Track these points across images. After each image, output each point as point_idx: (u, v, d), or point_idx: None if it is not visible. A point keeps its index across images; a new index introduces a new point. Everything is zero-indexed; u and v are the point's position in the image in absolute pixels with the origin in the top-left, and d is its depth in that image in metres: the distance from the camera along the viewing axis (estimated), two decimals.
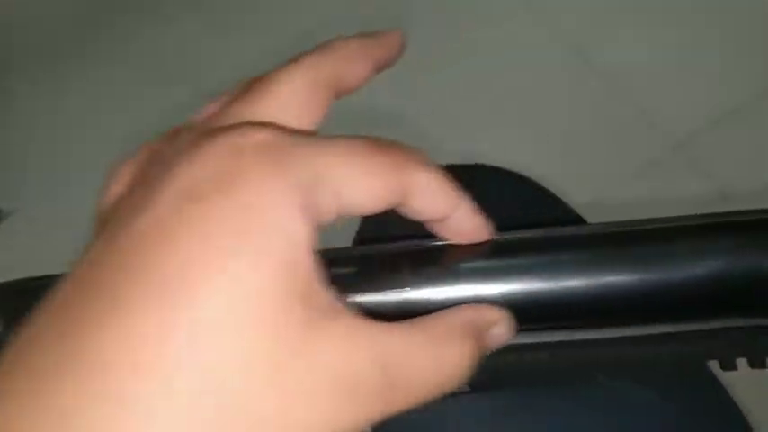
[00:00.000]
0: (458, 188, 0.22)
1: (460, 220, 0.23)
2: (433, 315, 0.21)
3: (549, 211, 0.39)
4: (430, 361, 0.20)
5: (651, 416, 0.32)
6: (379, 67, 0.24)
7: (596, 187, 1.03)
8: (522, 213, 0.38)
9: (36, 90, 1.30)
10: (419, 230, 0.25)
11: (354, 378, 0.18)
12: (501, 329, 0.23)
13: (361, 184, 0.20)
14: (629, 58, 1.06)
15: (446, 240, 0.24)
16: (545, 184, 0.43)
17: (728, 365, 0.27)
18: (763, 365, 0.26)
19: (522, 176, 0.40)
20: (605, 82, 1.05)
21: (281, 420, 0.17)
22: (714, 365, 0.28)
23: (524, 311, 0.24)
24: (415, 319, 0.20)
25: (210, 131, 0.20)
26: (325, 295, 0.18)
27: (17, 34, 1.36)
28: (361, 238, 0.41)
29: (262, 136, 0.19)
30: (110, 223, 0.19)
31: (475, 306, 0.22)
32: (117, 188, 0.21)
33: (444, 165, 0.41)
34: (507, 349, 0.25)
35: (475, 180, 0.41)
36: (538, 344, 0.25)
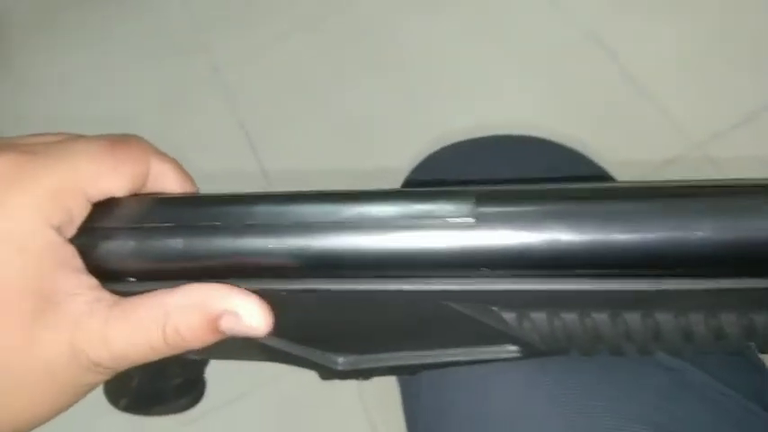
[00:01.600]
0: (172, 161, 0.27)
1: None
2: (146, 297, 0.23)
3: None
4: (124, 344, 0.23)
5: (705, 399, 0.30)
6: None
7: None
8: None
9: (49, 54, 1.28)
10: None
11: (55, 366, 0.22)
12: (236, 320, 0.24)
13: (110, 177, 0.24)
14: (654, 55, 1.04)
15: None
16: None
17: None
18: None
19: (572, 149, 0.39)
20: (628, 78, 1.03)
21: None
22: None
23: (577, 255, 0.22)
24: (131, 301, 0.23)
25: None
26: (56, 288, 0.22)
27: (21, 5, 1.35)
28: None
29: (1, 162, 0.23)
30: None
31: (207, 289, 0.24)
32: None
33: (497, 135, 0.40)
34: (554, 302, 0.24)
35: (526, 149, 0.39)
36: (598, 292, 0.23)
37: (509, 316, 0.24)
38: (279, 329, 0.25)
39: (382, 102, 1.09)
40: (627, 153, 0.98)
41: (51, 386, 0.23)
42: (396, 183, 0.47)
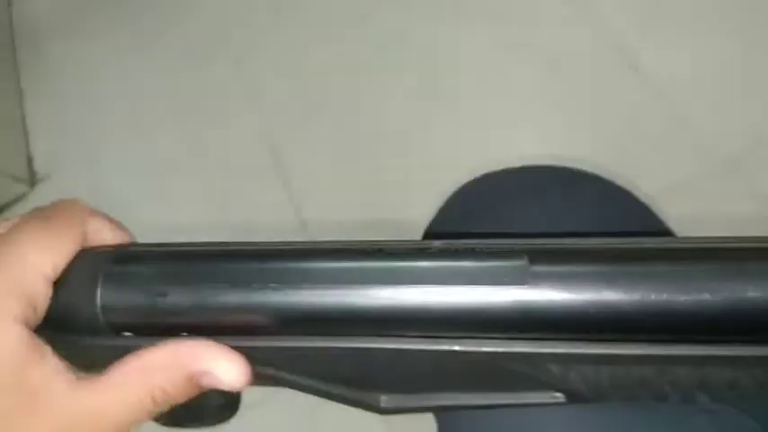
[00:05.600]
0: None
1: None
2: (127, 363, 0.24)
3: (630, 213, 0.38)
4: (115, 416, 0.24)
5: None
6: None
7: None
8: (607, 217, 0.37)
9: (76, 60, 1.29)
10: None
11: None
12: (214, 378, 0.25)
13: (55, 251, 0.25)
14: (680, 69, 1.03)
15: None
16: None
17: None
18: None
19: (602, 178, 0.39)
20: (654, 92, 1.02)
21: None
22: None
23: (625, 321, 0.22)
24: (112, 372, 0.24)
25: None
26: (32, 380, 0.23)
27: (54, 7, 1.36)
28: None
29: None
30: None
31: (188, 348, 0.25)
32: None
33: (524, 165, 0.40)
34: (607, 363, 0.24)
35: (553, 180, 0.39)
36: (643, 357, 0.23)
37: (556, 368, 0.24)
38: (322, 374, 0.25)
39: (403, 121, 1.09)
40: (651, 167, 0.97)
41: None
42: (425, 212, 0.47)
